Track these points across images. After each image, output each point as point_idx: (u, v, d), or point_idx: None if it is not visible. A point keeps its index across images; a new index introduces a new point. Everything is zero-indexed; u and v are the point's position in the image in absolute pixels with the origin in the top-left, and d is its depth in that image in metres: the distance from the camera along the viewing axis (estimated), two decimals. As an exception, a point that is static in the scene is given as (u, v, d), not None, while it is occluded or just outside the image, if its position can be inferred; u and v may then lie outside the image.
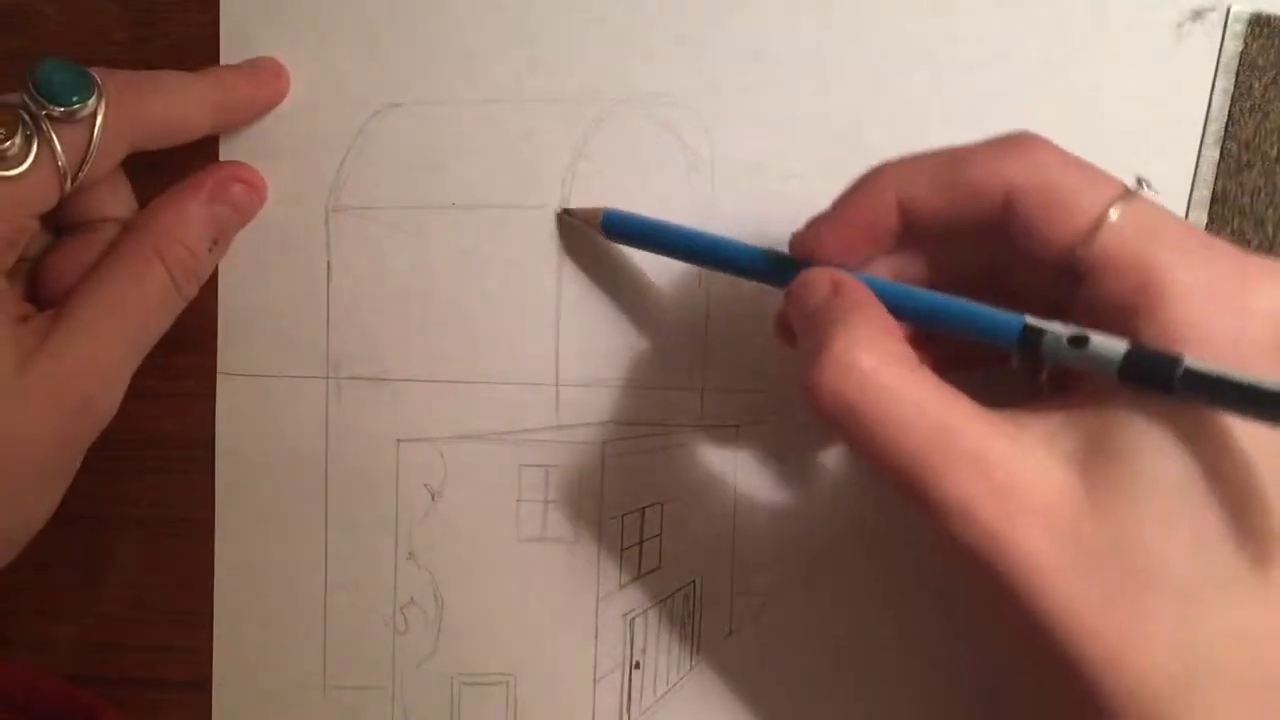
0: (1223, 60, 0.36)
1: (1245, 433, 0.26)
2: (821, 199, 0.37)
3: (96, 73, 0.34)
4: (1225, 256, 0.28)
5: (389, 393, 0.39)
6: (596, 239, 0.38)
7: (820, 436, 0.38)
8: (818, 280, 0.31)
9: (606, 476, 0.39)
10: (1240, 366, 0.25)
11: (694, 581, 0.39)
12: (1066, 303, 0.29)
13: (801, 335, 0.31)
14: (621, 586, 0.39)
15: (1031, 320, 0.28)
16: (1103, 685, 0.26)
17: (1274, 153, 0.36)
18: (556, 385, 0.39)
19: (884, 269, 0.32)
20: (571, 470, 0.39)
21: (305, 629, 0.40)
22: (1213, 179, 0.36)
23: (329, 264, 0.39)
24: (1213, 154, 0.36)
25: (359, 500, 0.39)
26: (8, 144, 0.32)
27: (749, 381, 0.39)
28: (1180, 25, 0.36)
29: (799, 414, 0.38)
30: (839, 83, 0.37)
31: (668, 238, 0.36)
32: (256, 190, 0.38)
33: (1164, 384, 0.26)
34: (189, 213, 0.37)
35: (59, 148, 0.33)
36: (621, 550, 0.39)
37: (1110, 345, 0.27)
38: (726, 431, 0.39)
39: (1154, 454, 0.26)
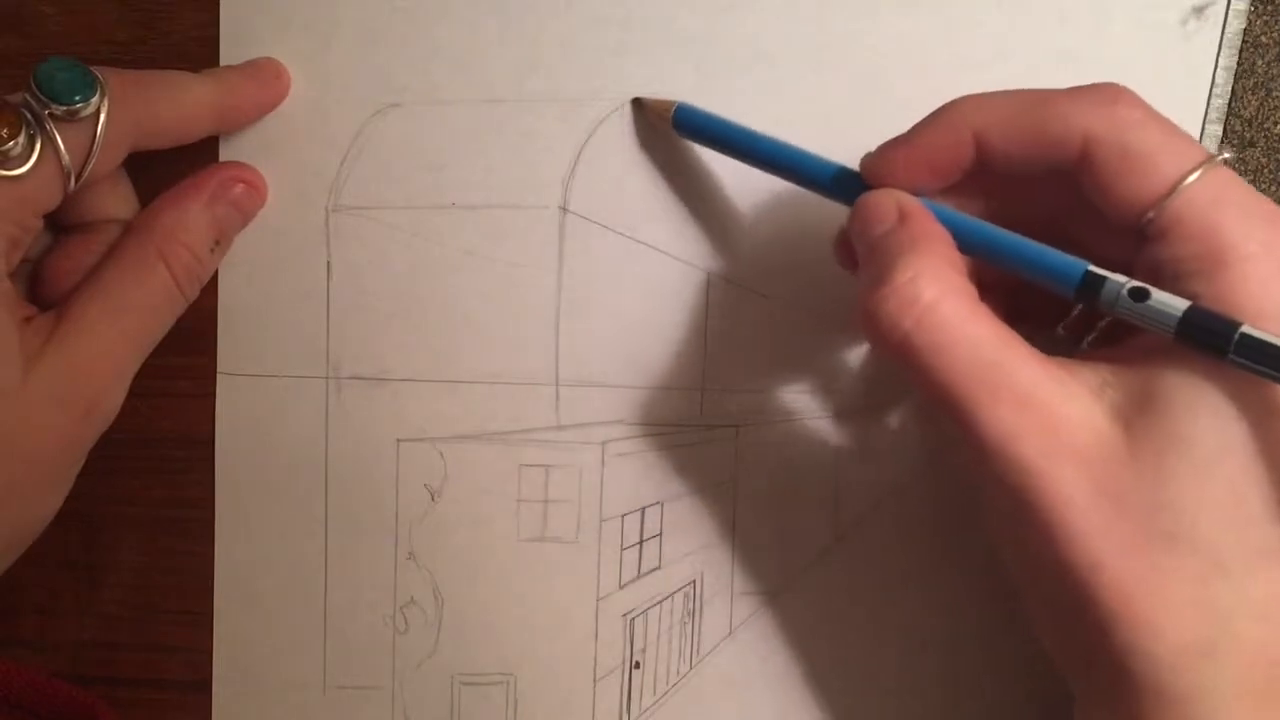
0: (1226, 37, 0.36)
1: None
2: (821, 199, 0.37)
3: (99, 71, 0.33)
4: None
5: (389, 393, 0.39)
6: (603, 235, 0.38)
7: (820, 437, 0.38)
8: (884, 204, 0.31)
9: (606, 476, 0.39)
10: None
11: (694, 581, 0.39)
12: (1126, 260, 0.29)
13: (864, 260, 0.30)
14: (621, 586, 0.39)
15: (1094, 268, 0.28)
16: (1116, 635, 0.27)
17: (1277, 130, 0.36)
18: (556, 385, 0.39)
19: (948, 203, 0.32)
20: (571, 470, 0.39)
21: (305, 629, 0.40)
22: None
23: (329, 264, 0.39)
24: (1216, 131, 0.36)
25: (359, 500, 0.39)
26: (11, 143, 0.32)
27: (749, 381, 0.39)
28: (1184, 23, 0.36)
29: (800, 414, 0.38)
30: (838, 82, 0.37)
31: (738, 140, 0.35)
32: (257, 191, 0.38)
33: (1219, 347, 0.26)
34: (191, 214, 0.37)
35: (62, 147, 0.33)
36: (621, 550, 0.39)
37: (1170, 302, 0.27)
38: (726, 431, 0.39)
39: (1198, 416, 0.27)
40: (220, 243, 0.38)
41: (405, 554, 0.39)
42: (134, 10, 0.39)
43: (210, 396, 0.40)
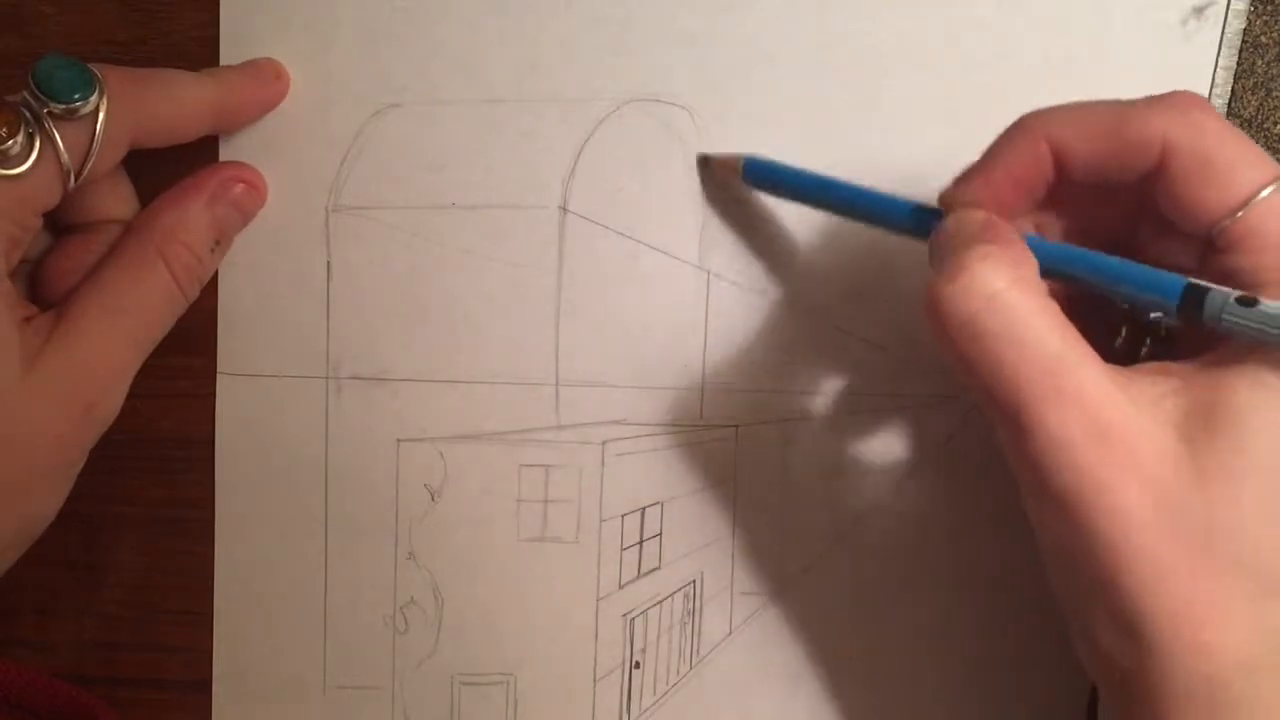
0: (1226, 37, 0.36)
1: None
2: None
3: (98, 69, 0.33)
4: None
5: (389, 393, 0.39)
6: (604, 235, 0.38)
7: (820, 437, 0.38)
8: (969, 214, 0.30)
9: (606, 476, 0.39)
10: None
11: (694, 581, 0.39)
12: (1194, 272, 0.29)
13: (941, 257, 0.30)
14: (621, 586, 0.39)
15: (1194, 280, 0.28)
16: (1164, 654, 0.26)
17: (1277, 130, 0.36)
18: (556, 385, 0.39)
19: (1024, 224, 0.32)
20: (571, 470, 0.39)
21: (305, 629, 0.40)
22: None
23: (329, 264, 0.39)
24: None
25: (359, 500, 0.39)
26: (10, 142, 0.32)
27: (749, 381, 0.39)
28: (1184, 23, 0.36)
29: (800, 415, 0.38)
30: (838, 83, 0.37)
31: (809, 188, 0.35)
32: (258, 191, 0.38)
33: None
34: (191, 214, 0.37)
35: (61, 145, 0.33)
36: (621, 550, 0.39)
37: None
38: (726, 431, 0.39)
39: (1267, 438, 0.26)
40: (220, 243, 0.38)
41: (405, 554, 0.39)
42: (134, 10, 0.39)
43: (210, 396, 0.40)
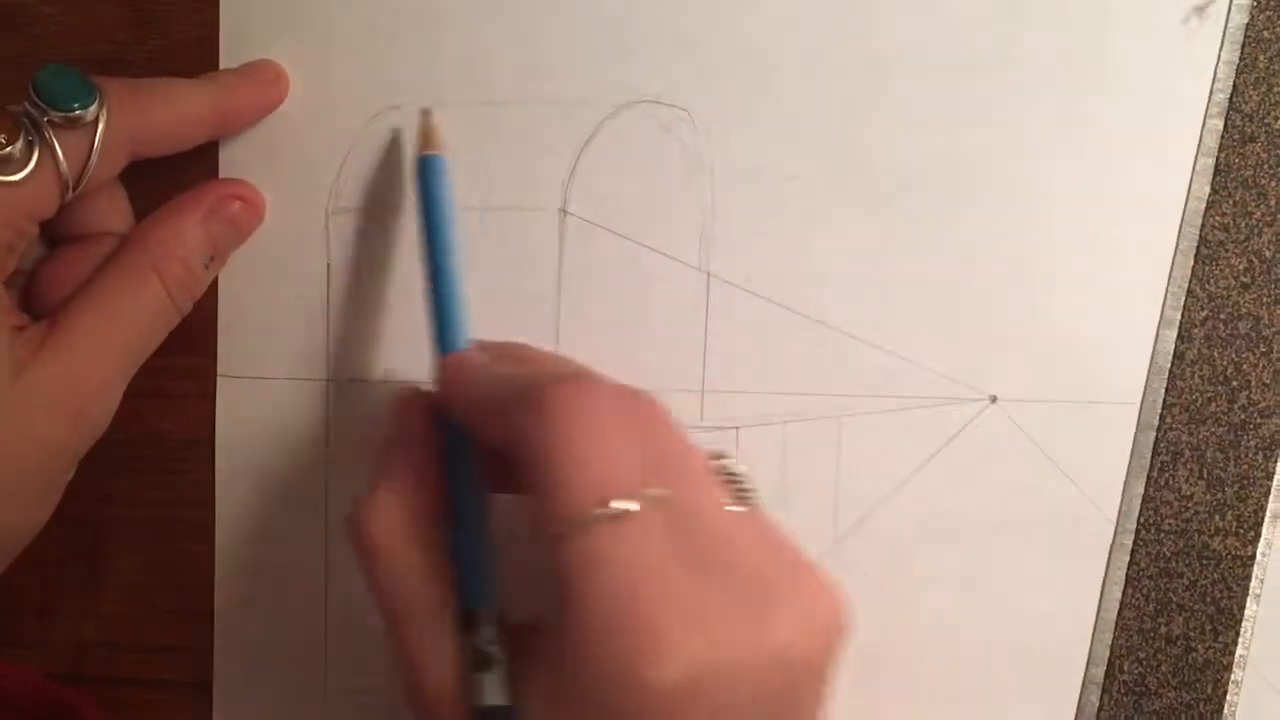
0: (1228, 31, 0.36)
1: None
2: (822, 199, 0.37)
3: (98, 79, 0.33)
4: (655, 605, 0.26)
5: (389, 394, 0.39)
6: (603, 236, 0.38)
7: (820, 437, 0.38)
8: (403, 416, 0.34)
9: (606, 478, 0.39)
10: None
11: (694, 583, 0.39)
12: None
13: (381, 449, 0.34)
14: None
15: (483, 613, 0.31)
16: None
17: (1278, 125, 0.36)
18: (556, 386, 0.39)
19: None
20: (571, 471, 0.39)
21: (306, 630, 0.40)
22: (1216, 150, 0.36)
23: (329, 266, 0.39)
24: (1216, 125, 0.36)
25: (360, 502, 0.39)
26: (9, 149, 0.32)
27: (749, 382, 0.38)
28: (1185, 21, 0.36)
29: (800, 414, 0.38)
30: (838, 84, 0.37)
31: (424, 228, 0.36)
32: (255, 208, 0.38)
33: None
34: (187, 228, 0.37)
35: (60, 154, 0.33)
36: (621, 552, 0.39)
37: (489, 688, 0.30)
38: (726, 432, 0.39)
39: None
40: (215, 258, 0.38)
41: (406, 556, 0.39)
42: (134, 10, 0.39)
43: (210, 397, 0.40)
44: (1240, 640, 0.38)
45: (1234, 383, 0.37)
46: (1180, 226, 0.37)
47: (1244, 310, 0.37)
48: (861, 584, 0.38)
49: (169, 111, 0.35)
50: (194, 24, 0.38)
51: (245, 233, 0.38)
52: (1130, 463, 0.38)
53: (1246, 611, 0.38)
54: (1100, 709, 0.38)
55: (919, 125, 0.37)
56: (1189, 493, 0.38)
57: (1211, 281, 0.37)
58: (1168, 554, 0.38)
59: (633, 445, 0.28)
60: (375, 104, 0.38)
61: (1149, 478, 0.38)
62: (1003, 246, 0.37)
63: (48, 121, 0.33)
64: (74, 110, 0.33)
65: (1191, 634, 0.38)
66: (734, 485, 0.30)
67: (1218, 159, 0.36)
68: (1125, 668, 0.38)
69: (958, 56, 0.37)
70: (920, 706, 0.39)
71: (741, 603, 0.27)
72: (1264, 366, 0.37)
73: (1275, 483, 0.37)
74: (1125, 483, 0.38)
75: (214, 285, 0.39)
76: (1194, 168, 0.37)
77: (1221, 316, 0.37)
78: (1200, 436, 0.37)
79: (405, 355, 0.39)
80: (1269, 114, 0.36)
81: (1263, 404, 0.37)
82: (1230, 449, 0.37)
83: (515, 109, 0.38)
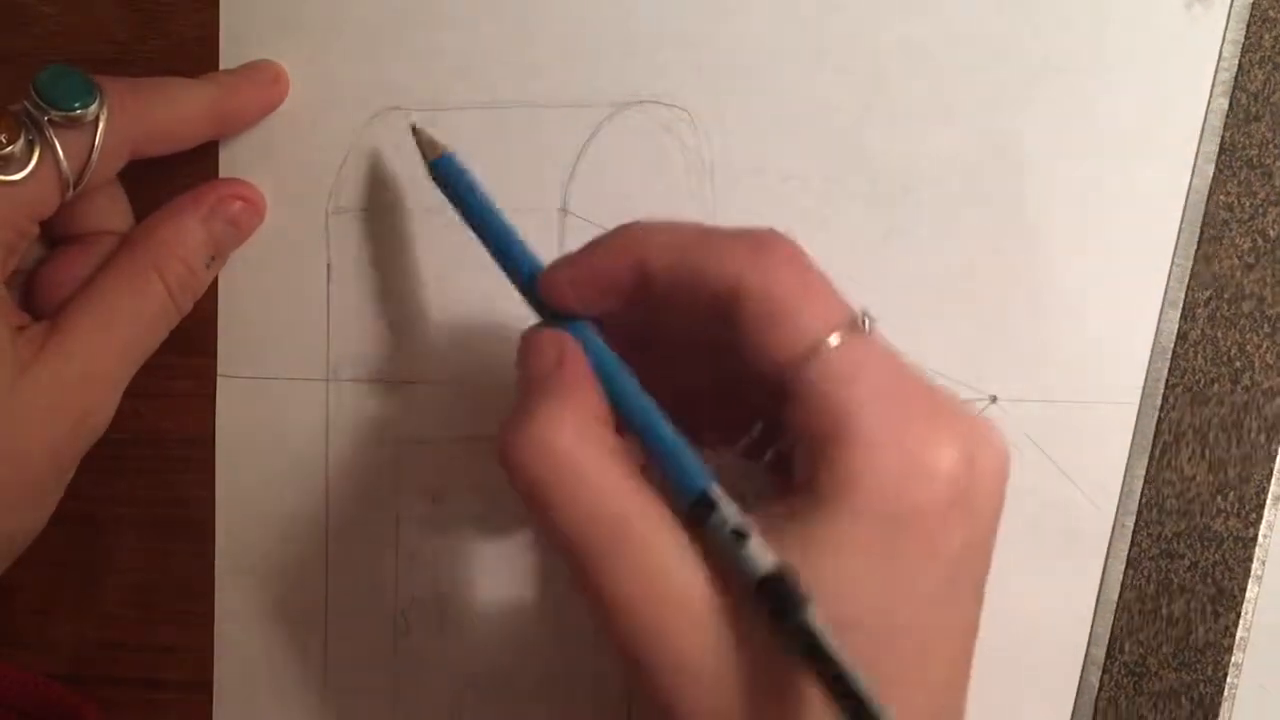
0: (1234, 10, 0.36)
1: None
2: (822, 199, 0.37)
3: (98, 79, 0.34)
4: (919, 407, 0.27)
5: (389, 394, 0.39)
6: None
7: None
8: (546, 346, 0.31)
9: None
10: (907, 531, 0.26)
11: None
12: (783, 418, 0.29)
13: (518, 393, 0.30)
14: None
15: (713, 490, 0.28)
16: None
17: None
18: (557, 386, 0.39)
19: (638, 322, 0.31)
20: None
21: (306, 630, 0.40)
22: (1221, 129, 0.36)
23: (329, 266, 0.39)
24: (1221, 104, 0.36)
25: (360, 502, 0.39)
26: (10, 148, 0.32)
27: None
28: (1189, 6, 0.36)
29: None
30: (838, 84, 0.37)
31: (471, 211, 0.35)
32: (255, 208, 0.38)
33: (781, 619, 0.26)
34: (188, 228, 0.37)
35: (61, 153, 0.33)
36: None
37: (760, 557, 0.26)
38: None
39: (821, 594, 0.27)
40: (216, 258, 0.38)
41: (406, 556, 0.39)
42: (134, 10, 0.39)
43: (210, 397, 0.40)
44: (1241, 622, 0.38)
45: (1237, 363, 0.37)
46: (1184, 206, 0.37)
47: (1248, 290, 0.37)
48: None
49: (169, 111, 0.35)
50: (194, 24, 0.38)
51: (246, 232, 0.38)
52: (1132, 443, 0.38)
53: (1247, 593, 0.37)
54: (1100, 689, 0.38)
55: (919, 124, 0.37)
56: (1191, 474, 0.37)
57: (1215, 261, 0.37)
58: (1169, 535, 0.38)
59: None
60: (375, 104, 0.38)
61: (1151, 458, 0.37)
62: (1002, 246, 0.37)
63: (48, 121, 0.33)
64: (75, 110, 0.33)
65: (1192, 615, 0.38)
66: None
67: (1223, 138, 0.36)
68: (1126, 648, 0.38)
69: (958, 56, 0.37)
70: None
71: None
72: (1267, 347, 0.37)
73: (1277, 464, 0.37)
74: (1127, 464, 0.38)
75: (214, 285, 0.39)
76: (1198, 149, 0.37)
77: (1225, 297, 0.37)
78: (1203, 417, 0.37)
79: (406, 355, 0.39)
80: (1274, 93, 0.36)
81: (1266, 385, 0.37)
82: (1233, 430, 0.37)
83: (515, 109, 0.38)
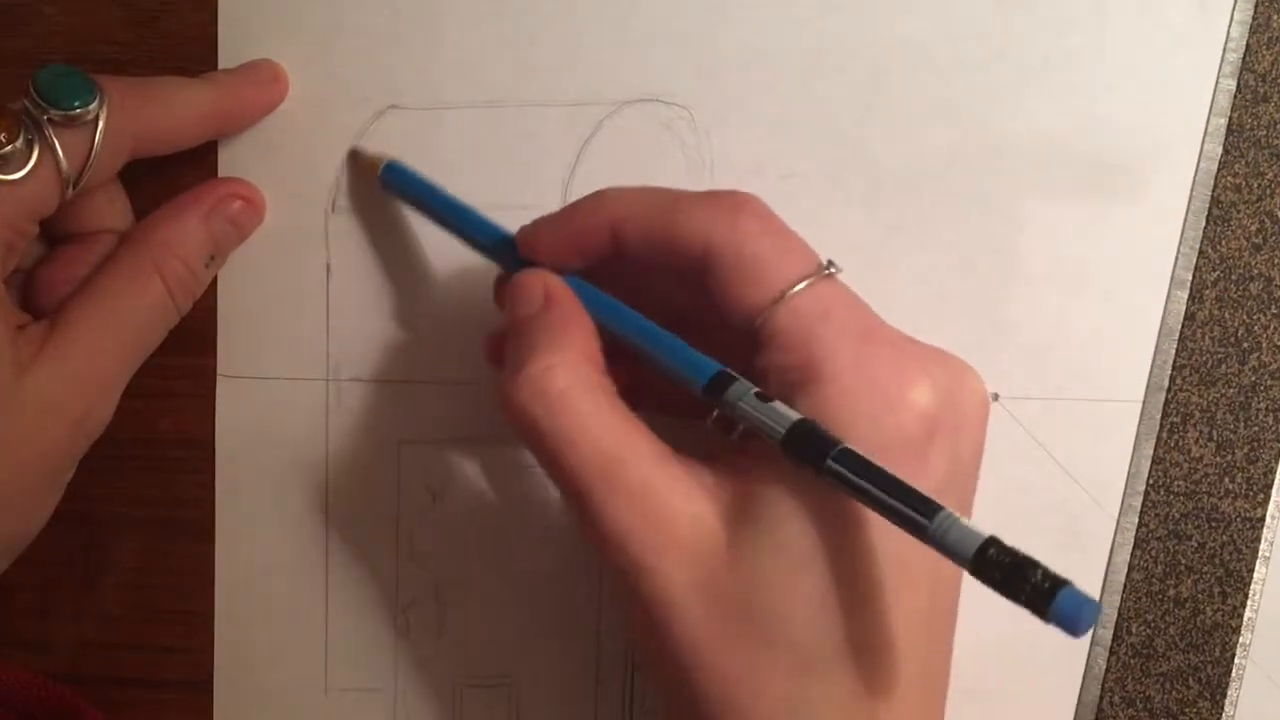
0: None
1: (880, 529, 0.27)
2: (822, 199, 0.37)
3: (98, 78, 0.33)
4: (889, 346, 0.29)
5: (389, 394, 0.39)
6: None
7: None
8: (533, 287, 0.32)
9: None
10: (886, 460, 0.26)
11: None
12: (749, 367, 0.30)
13: (510, 341, 0.32)
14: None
15: (729, 370, 0.29)
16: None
17: None
18: (557, 386, 0.39)
19: (601, 283, 0.33)
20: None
21: (306, 630, 0.40)
22: (1229, 109, 0.36)
23: (329, 265, 0.39)
24: (1229, 85, 0.36)
25: (360, 502, 0.39)
26: (9, 147, 0.32)
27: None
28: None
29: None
30: (839, 83, 0.37)
31: (433, 202, 0.36)
32: (255, 207, 0.38)
33: (816, 463, 0.27)
34: (188, 227, 0.37)
35: (60, 152, 0.33)
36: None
37: (784, 412, 0.28)
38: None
39: (791, 524, 0.28)
40: (216, 258, 0.38)
41: (407, 556, 0.39)
42: (134, 10, 0.39)
43: (210, 397, 0.40)
44: (1249, 603, 0.38)
45: (1245, 344, 0.37)
46: (1192, 187, 0.37)
47: (1256, 271, 0.37)
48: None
49: (169, 111, 0.35)
50: (193, 24, 0.38)
51: (246, 232, 0.38)
52: (1139, 427, 0.38)
53: (1255, 574, 0.38)
54: (1108, 670, 0.38)
55: (919, 124, 0.37)
56: (1199, 455, 0.37)
57: (1223, 242, 0.37)
58: (1177, 516, 0.38)
59: None
60: (375, 104, 0.38)
61: (1158, 440, 0.37)
62: (1002, 245, 0.37)
63: (48, 120, 0.33)
64: (74, 109, 0.33)
65: (1200, 596, 0.38)
66: None
67: (1230, 119, 0.36)
68: (1133, 630, 0.38)
69: (958, 56, 0.37)
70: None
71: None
72: (1275, 328, 0.37)
73: None
74: (1135, 443, 0.38)
75: (214, 285, 0.39)
76: (1206, 128, 0.37)
77: (1233, 278, 0.37)
78: (1210, 398, 0.37)
79: (406, 355, 0.39)
80: None
81: (1274, 366, 0.37)
82: (1240, 411, 0.37)
83: (515, 108, 0.38)
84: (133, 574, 0.41)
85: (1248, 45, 0.36)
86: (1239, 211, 0.37)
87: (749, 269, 0.29)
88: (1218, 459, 0.37)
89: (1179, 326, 0.37)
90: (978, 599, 0.27)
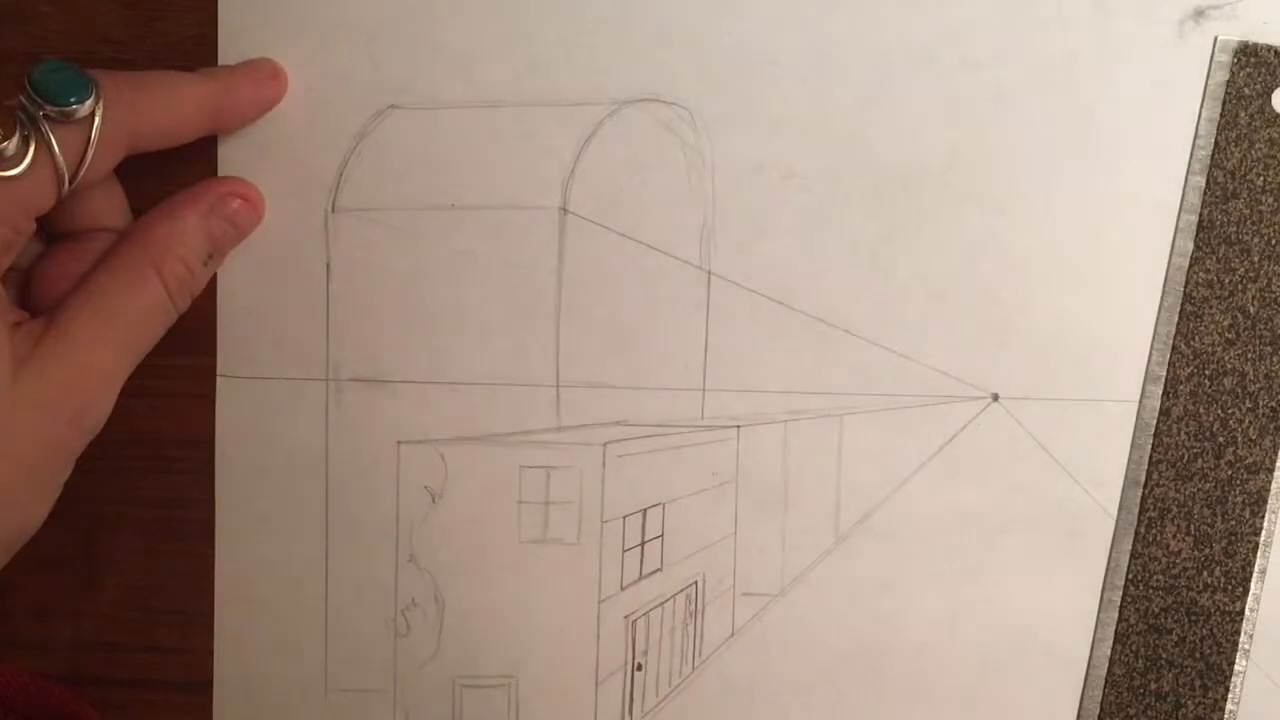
0: (1209, 88, 0.36)
1: None
2: (822, 198, 0.37)
3: (94, 73, 0.33)
4: None
5: (389, 394, 0.39)
6: (604, 235, 0.38)
7: (820, 436, 0.38)
8: None
9: (607, 478, 0.39)
10: None
11: (695, 582, 0.39)
12: None
13: None
14: (623, 588, 0.39)
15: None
16: None
17: (1259, 182, 0.37)
18: (557, 386, 0.39)
19: None
20: (572, 472, 0.39)
21: (306, 631, 0.40)
22: (1199, 207, 0.37)
23: (328, 265, 0.39)
24: (1199, 181, 0.37)
25: (359, 502, 0.39)
26: (5, 144, 0.32)
27: (750, 380, 0.39)
28: (1182, 23, 0.36)
29: (800, 414, 0.38)
30: (839, 83, 0.37)
31: None
32: (254, 206, 0.38)
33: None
34: (186, 226, 0.36)
35: (56, 148, 0.33)
36: (623, 551, 0.39)
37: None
38: (727, 431, 0.39)
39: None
40: (214, 256, 0.38)
41: (406, 556, 0.39)
42: (133, 10, 0.39)
43: (210, 397, 0.40)
44: (1230, 696, 0.38)
45: (1220, 439, 0.37)
46: (1164, 283, 0.37)
47: (1229, 366, 0.37)
48: (863, 582, 0.38)
49: (166, 106, 0.35)
50: (193, 22, 0.38)
51: (245, 231, 0.38)
52: (1119, 516, 0.38)
53: (1236, 667, 0.38)
54: None
55: (919, 125, 0.37)
56: (1177, 549, 0.38)
57: (1196, 338, 0.37)
58: (1156, 610, 0.38)
59: None
60: (375, 103, 0.38)
61: (1136, 534, 0.38)
62: (1003, 244, 0.37)
63: (44, 116, 0.32)
64: (70, 105, 0.32)
65: (1181, 690, 0.38)
66: None
67: (1200, 215, 0.37)
68: None
69: (958, 56, 0.37)
70: (922, 704, 0.39)
71: None
72: (1250, 422, 0.37)
73: (1262, 538, 0.37)
74: (1114, 534, 0.38)
75: (213, 284, 0.39)
76: (1178, 223, 0.37)
77: (1207, 373, 0.37)
78: (1187, 493, 0.38)
79: (405, 355, 0.39)
80: (1250, 170, 0.37)
81: (1249, 460, 0.37)
82: (1218, 505, 0.37)
83: (515, 108, 0.38)
84: (132, 574, 0.41)
85: (1216, 142, 0.36)
86: (1211, 307, 0.37)
87: None
88: (1196, 553, 0.38)
89: (1154, 421, 0.37)
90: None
